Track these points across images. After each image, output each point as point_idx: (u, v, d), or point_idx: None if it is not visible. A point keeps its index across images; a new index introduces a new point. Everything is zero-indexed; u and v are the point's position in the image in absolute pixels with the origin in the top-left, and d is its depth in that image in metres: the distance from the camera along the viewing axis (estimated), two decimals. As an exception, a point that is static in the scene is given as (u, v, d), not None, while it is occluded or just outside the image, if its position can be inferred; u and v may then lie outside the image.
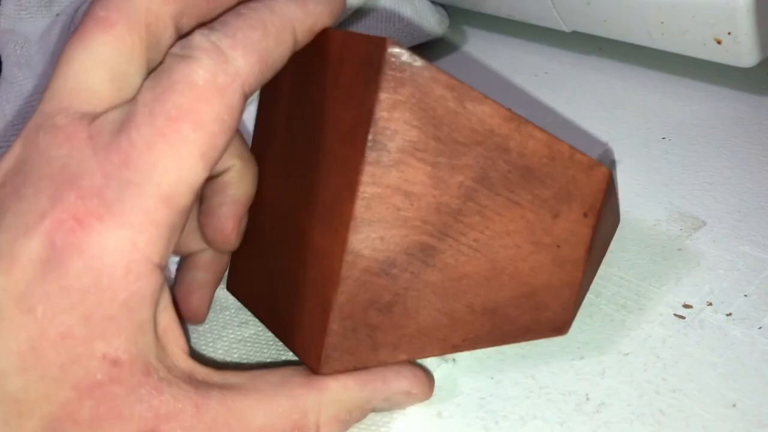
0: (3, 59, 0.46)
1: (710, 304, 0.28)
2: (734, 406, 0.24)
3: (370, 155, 0.21)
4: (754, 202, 0.33)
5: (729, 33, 0.36)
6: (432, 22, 0.48)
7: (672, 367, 0.25)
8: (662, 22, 0.39)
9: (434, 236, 0.23)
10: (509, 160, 0.23)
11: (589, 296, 0.28)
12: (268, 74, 0.22)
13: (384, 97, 0.21)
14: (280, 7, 0.22)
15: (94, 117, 0.20)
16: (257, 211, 0.26)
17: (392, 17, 0.47)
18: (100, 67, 0.20)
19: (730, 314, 0.27)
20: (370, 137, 0.21)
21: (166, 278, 0.21)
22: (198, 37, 0.20)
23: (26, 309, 0.18)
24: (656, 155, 0.37)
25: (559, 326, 0.26)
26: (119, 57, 0.20)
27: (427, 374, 0.25)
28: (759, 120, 0.39)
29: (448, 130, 0.22)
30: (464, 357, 0.27)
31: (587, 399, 0.25)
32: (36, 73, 0.42)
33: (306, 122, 0.24)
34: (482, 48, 0.51)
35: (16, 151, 0.20)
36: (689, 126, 0.39)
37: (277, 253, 0.24)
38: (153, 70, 0.21)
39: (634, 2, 0.39)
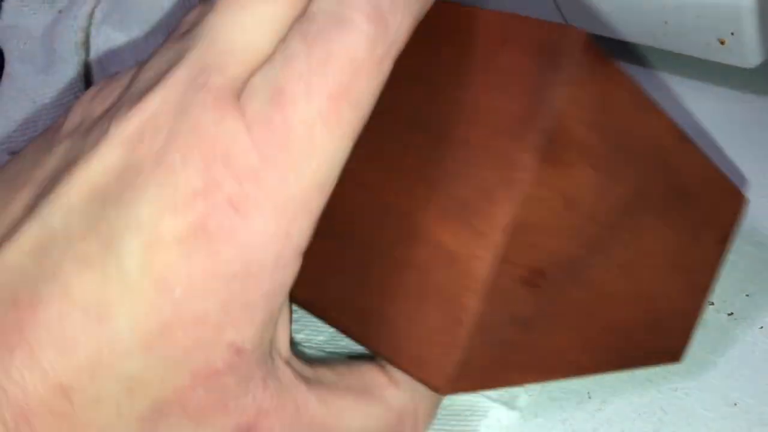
0: (6, 55, 0.46)
1: (712, 303, 0.28)
2: (735, 405, 0.24)
3: (541, 153, 0.18)
4: (757, 203, 0.33)
5: (732, 33, 0.36)
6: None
7: (673, 366, 0.25)
8: (665, 22, 0.39)
9: (586, 249, 0.21)
10: (668, 178, 0.22)
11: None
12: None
13: (568, 91, 0.18)
14: None
15: (245, 81, 0.18)
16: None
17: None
18: (274, 22, 0.18)
19: (732, 314, 0.27)
20: (544, 133, 0.18)
21: None
22: None
23: (164, 289, 0.17)
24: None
25: (675, 353, 0.25)
26: (288, 13, 0.18)
27: None
28: (762, 121, 0.39)
29: (621, 138, 0.20)
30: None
31: (589, 397, 0.25)
32: (39, 69, 0.42)
33: (428, 105, 0.21)
34: (485, 47, 0.51)
35: (154, 103, 0.18)
36: (690, 126, 0.39)
37: (370, 251, 0.21)
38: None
39: (637, 2, 0.39)
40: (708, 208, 0.24)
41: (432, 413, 0.22)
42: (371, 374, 0.21)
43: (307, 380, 0.20)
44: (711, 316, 0.27)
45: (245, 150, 0.17)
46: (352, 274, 0.21)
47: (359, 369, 0.21)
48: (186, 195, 0.17)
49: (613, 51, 0.47)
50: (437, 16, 0.20)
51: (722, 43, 0.37)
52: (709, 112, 0.41)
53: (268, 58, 0.18)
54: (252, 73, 0.18)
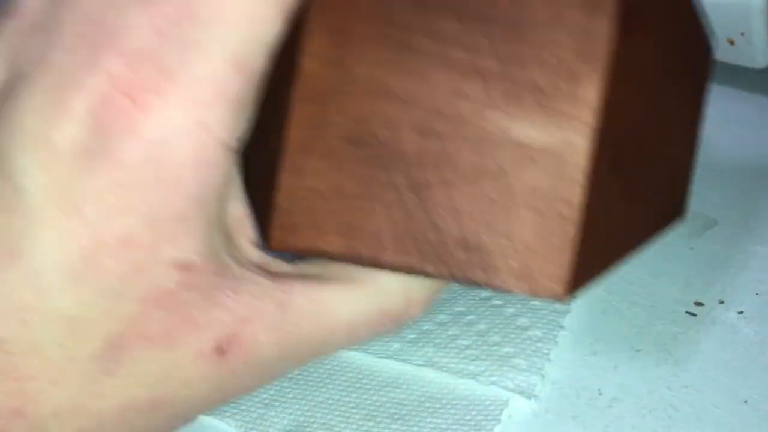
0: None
1: (722, 302, 0.28)
2: (745, 402, 0.24)
3: (620, 22, 0.17)
4: (766, 203, 0.33)
5: (742, 34, 0.36)
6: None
7: (684, 364, 0.26)
8: (675, 23, 0.39)
9: (644, 124, 0.20)
10: (686, 42, 0.22)
11: (602, 293, 0.29)
12: None
13: None
14: None
15: None
16: (329, 98, 0.19)
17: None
18: None
19: (742, 312, 0.27)
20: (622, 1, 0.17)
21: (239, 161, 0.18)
22: None
23: (72, 211, 0.15)
24: (668, 155, 0.37)
25: (680, 210, 0.24)
26: None
27: None
28: (770, 121, 0.39)
29: (664, 10, 0.20)
30: (477, 351, 0.27)
31: (600, 394, 0.25)
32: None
33: None
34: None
35: (31, 1, 0.16)
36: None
37: (422, 170, 0.19)
38: None
39: (646, 3, 0.39)
40: (696, 66, 0.23)
41: (428, 300, 0.20)
42: None
43: (288, 277, 0.18)
44: (722, 315, 0.27)
45: (138, 28, 0.15)
46: (406, 204, 0.19)
47: None
48: (72, 92, 0.15)
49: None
50: None
51: (731, 43, 0.37)
52: (717, 112, 0.41)
53: None
54: None
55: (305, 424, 0.24)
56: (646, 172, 0.21)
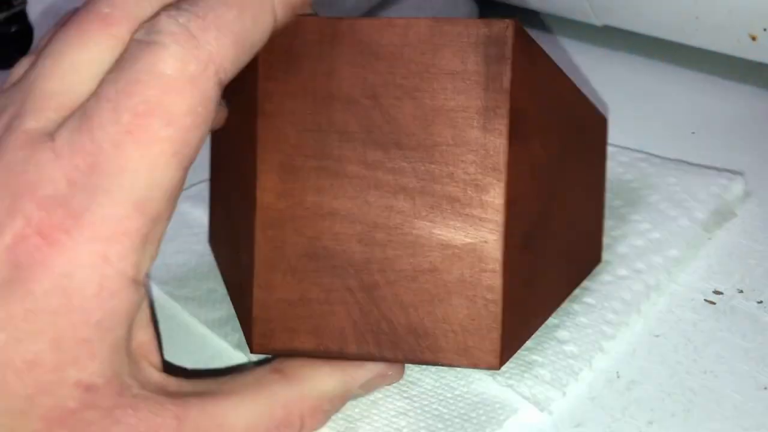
0: (36, 32, 0.46)
1: (741, 291, 0.28)
2: (765, 388, 0.24)
3: (510, 135, 0.21)
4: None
5: (765, 29, 0.36)
6: (462, 13, 0.49)
7: (703, 350, 0.25)
8: (697, 18, 0.39)
9: (547, 203, 0.23)
10: (574, 123, 0.25)
11: (621, 277, 0.29)
12: (246, 58, 0.19)
13: (515, 76, 0.21)
14: None
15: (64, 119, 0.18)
16: (289, 229, 0.22)
17: (422, 7, 0.47)
18: (92, 67, 0.19)
19: (761, 302, 0.27)
20: (508, 118, 0.21)
21: (146, 292, 0.19)
22: (164, 20, 0.18)
23: None
24: (686, 148, 0.37)
25: (597, 257, 0.29)
26: (106, 57, 0.19)
27: None
28: (789, 119, 0.39)
29: (548, 104, 0.23)
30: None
31: (618, 376, 0.25)
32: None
33: (382, 122, 0.21)
34: (511, 41, 0.51)
35: None
36: (718, 122, 0.39)
37: (369, 274, 0.21)
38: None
39: (669, -3, 0.39)
40: (591, 136, 0.27)
41: (320, 411, 0.22)
42: (260, 373, 0.21)
43: (185, 394, 0.20)
44: (741, 304, 0.27)
45: (53, 179, 0.17)
46: (361, 303, 0.22)
47: (248, 372, 0.22)
48: None
49: (642, 47, 0.47)
50: (359, 32, 0.21)
51: (753, 39, 0.37)
52: (737, 108, 0.41)
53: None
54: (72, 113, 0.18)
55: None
56: (559, 240, 0.25)
